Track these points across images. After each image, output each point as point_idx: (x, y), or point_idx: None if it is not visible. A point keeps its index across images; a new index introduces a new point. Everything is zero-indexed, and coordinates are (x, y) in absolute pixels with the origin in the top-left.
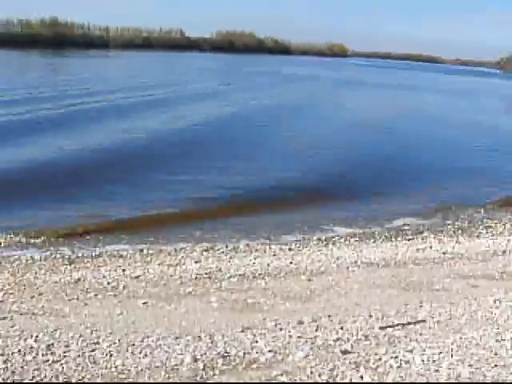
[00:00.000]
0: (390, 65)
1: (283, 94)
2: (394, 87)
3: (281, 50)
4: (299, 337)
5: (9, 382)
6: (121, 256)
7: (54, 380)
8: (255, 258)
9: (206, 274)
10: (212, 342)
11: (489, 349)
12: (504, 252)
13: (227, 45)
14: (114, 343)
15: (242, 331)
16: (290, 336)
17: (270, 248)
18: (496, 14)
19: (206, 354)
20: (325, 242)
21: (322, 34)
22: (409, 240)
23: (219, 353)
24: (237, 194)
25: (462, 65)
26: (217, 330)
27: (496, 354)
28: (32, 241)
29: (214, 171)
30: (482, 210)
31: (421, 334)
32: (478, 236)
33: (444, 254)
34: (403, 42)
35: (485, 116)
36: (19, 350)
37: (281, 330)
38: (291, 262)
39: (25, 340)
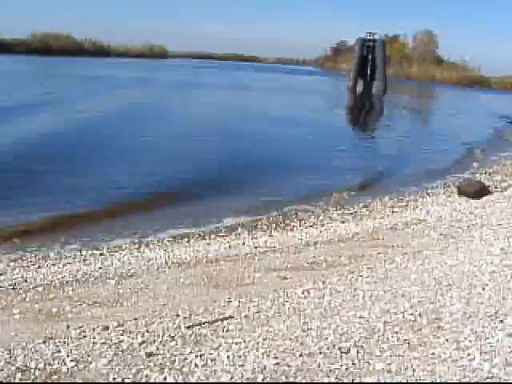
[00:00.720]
0: (214, 65)
1: (115, 100)
2: (220, 87)
3: (100, 52)
4: (103, 343)
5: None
6: None
7: None
8: (64, 266)
9: (9, 285)
10: (11, 357)
11: (295, 339)
12: (315, 243)
13: (43, 47)
14: None
15: (44, 342)
16: (95, 343)
17: (80, 254)
18: (314, 14)
19: (3, 369)
20: (137, 245)
21: (143, 34)
22: (222, 237)
23: (18, 367)
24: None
25: (283, 63)
26: (17, 343)
27: (302, 343)
28: None
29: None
30: (296, 204)
31: (228, 331)
32: (291, 229)
33: (256, 248)
34: (225, 41)
35: (308, 112)
36: None
37: (85, 337)
38: (100, 267)
39: None
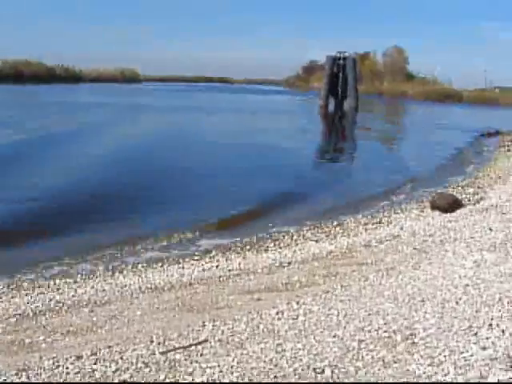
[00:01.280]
0: (185, 88)
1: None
2: (192, 110)
3: (72, 77)
4: (77, 372)
5: None
6: None
7: None
8: (37, 295)
9: None
10: None
11: (269, 361)
12: (289, 263)
13: (13, 74)
14: None
15: (17, 374)
16: (68, 373)
17: (54, 283)
18: (274, 34)
19: None
20: (111, 272)
21: (114, 59)
22: (196, 260)
23: None
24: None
25: (254, 84)
26: None
27: (276, 365)
28: None
29: None
30: (270, 226)
31: (202, 355)
32: (265, 250)
33: (230, 271)
34: (193, 64)
35: (276, 135)
36: None
37: (58, 367)
38: (74, 295)
39: None
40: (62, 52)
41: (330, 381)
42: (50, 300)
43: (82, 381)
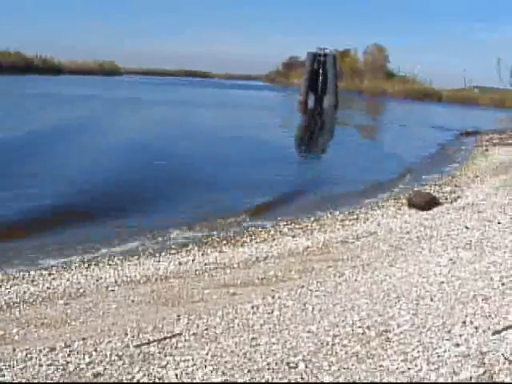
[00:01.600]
0: (167, 81)
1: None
2: (178, 104)
3: (51, 69)
4: (49, 364)
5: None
6: None
7: None
8: (11, 287)
9: None
10: None
11: (243, 355)
12: (266, 258)
13: None
14: None
15: None
16: (41, 365)
17: (28, 274)
18: (262, 31)
19: None
20: (87, 264)
21: (94, 52)
22: (172, 254)
23: None
24: None
25: (234, 79)
26: None
27: (250, 359)
28: None
29: None
30: (247, 220)
31: (176, 348)
32: (242, 245)
33: (206, 265)
34: (176, 58)
35: (256, 129)
36: None
37: (31, 359)
38: (49, 287)
39: None
40: (42, 43)
41: (304, 376)
42: (25, 292)
43: (56, 375)
